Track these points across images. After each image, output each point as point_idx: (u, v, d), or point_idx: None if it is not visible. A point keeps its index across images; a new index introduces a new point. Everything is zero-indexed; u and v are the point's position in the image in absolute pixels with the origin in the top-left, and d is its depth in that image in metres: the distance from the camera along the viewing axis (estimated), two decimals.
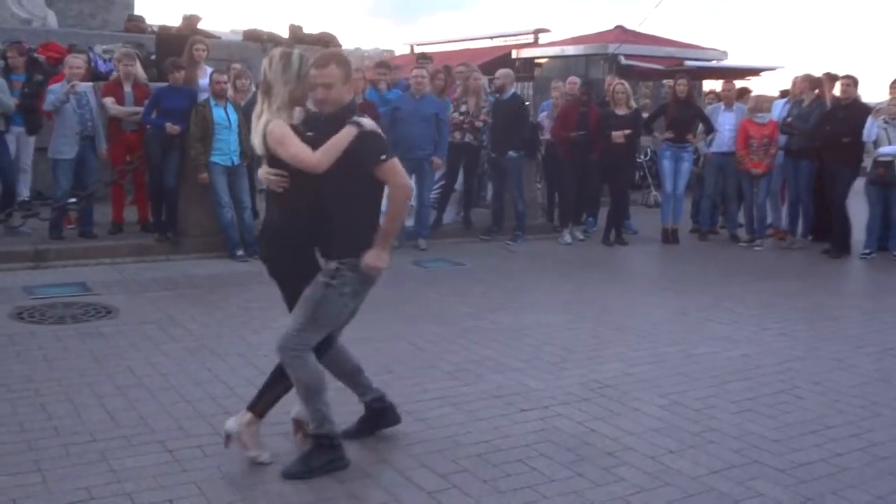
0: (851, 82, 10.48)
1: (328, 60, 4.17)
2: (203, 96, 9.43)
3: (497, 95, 11.02)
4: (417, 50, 21.56)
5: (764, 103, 11.22)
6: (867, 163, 10.76)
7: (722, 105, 11.63)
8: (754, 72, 19.16)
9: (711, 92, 14.54)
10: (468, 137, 10.80)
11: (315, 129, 4.16)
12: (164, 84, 9.72)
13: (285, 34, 15.73)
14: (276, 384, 4.34)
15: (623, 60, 17.21)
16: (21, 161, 10.23)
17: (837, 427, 4.99)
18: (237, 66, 10.53)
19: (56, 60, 10.93)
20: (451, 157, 10.72)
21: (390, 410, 4.71)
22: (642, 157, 14.53)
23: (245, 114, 8.99)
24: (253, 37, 15.17)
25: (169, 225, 9.55)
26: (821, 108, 10.77)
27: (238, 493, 3.99)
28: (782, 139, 10.87)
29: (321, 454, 4.23)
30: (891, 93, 10.32)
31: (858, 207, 10.79)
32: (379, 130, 4.19)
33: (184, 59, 9.87)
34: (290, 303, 4.31)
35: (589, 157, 10.98)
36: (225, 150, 9.15)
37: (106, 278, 8.35)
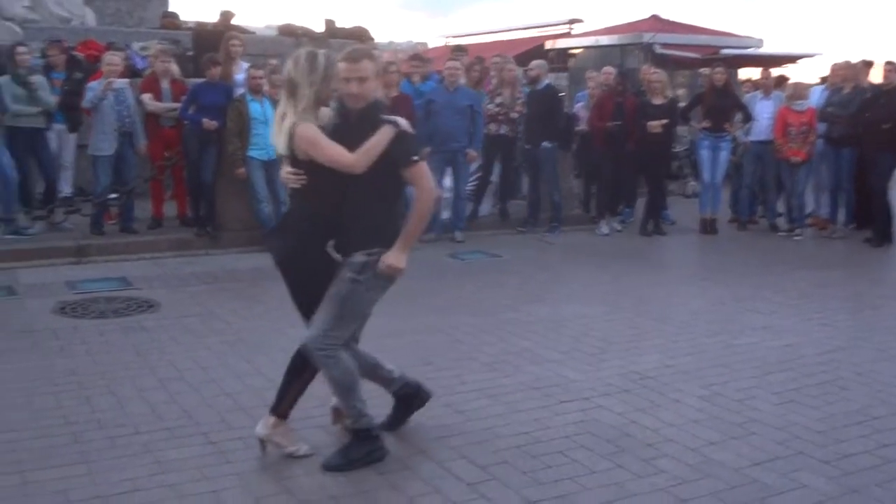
0: (893, 68, 10.31)
1: (361, 55, 4.17)
2: (239, 91, 9.50)
3: (531, 86, 10.98)
4: (451, 42, 21.52)
5: (802, 90, 11.06)
6: None
7: (759, 93, 11.50)
8: (792, 59, 18.89)
9: (748, 80, 14.36)
10: (504, 129, 10.77)
11: (341, 127, 4.14)
12: (201, 80, 9.80)
13: (319, 29, 15.81)
14: (293, 382, 4.34)
15: (658, 49, 17.08)
16: (62, 158, 10.36)
17: (882, 418, 4.92)
18: (273, 61, 10.58)
19: (95, 58, 11.06)
20: (486, 149, 10.71)
21: (418, 391, 4.66)
22: (680, 146, 14.40)
23: None
24: (287, 31, 15.28)
25: (208, 219, 9.64)
26: (861, 94, 10.62)
27: (279, 485, 4.02)
28: (821, 127, 10.73)
29: (360, 446, 4.25)
30: None
31: None
32: (412, 130, 4.19)
33: (220, 55, 9.94)
34: (297, 297, 4.32)
35: (625, 147, 10.91)
36: (262, 145, 9.19)
37: (147, 273, 8.45)
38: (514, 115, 10.75)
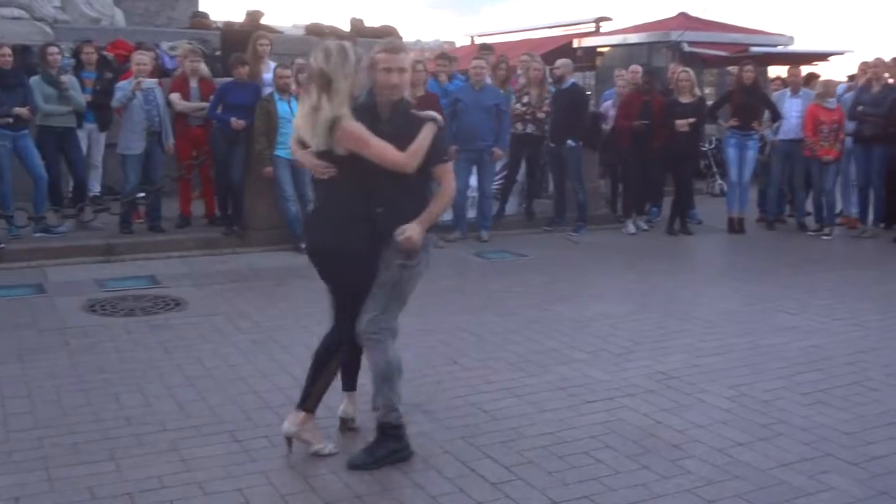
0: None
1: (399, 47, 4.26)
2: (267, 91, 9.54)
3: (556, 85, 10.95)
4: (478, 41, 21.48)
5: (832, 88, 10.98)
6: None
7: (788, 91, 11.41)
8: (822, 56, 18.68)
9: (778, 78, 14.22)
10: (530, 128, 10.75)
11: (371, 121, 4.15)
12: (229, 79, 9.86)
13: (346, 28, 15.85)
14: (319, 377, 4.34)
15: (686, 48, 16.94)
16: (92, 157, 10.47)
17: None
18: (300, 60, 10.61)
19: (124, 58, 11.17)
20: (513, 148, 10.70)
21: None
22: (707, 145, 14.32)
23: None
24: (315, 31, 15.32)
25: (235, 218, 9.69)
26: (892, 92, 10.50)
27: (305, 483, 4.04)
28: (850, 125, 10.62)
29: (386, 444, 4.26)
30: None
31: None
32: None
33: (248, 55, 9.99)
34: (339, 290, 4.33)
35: (652, 146, 10.85)
36: (289, 144, 9.17)
37: (174, 271, 8.51)
38: (541, 114, 10.72)
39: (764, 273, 8.81)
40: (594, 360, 5.89)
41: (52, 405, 4.94)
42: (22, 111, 8.89)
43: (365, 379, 4.59)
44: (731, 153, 11.20)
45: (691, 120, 10.65)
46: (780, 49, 18.74)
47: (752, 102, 11.06)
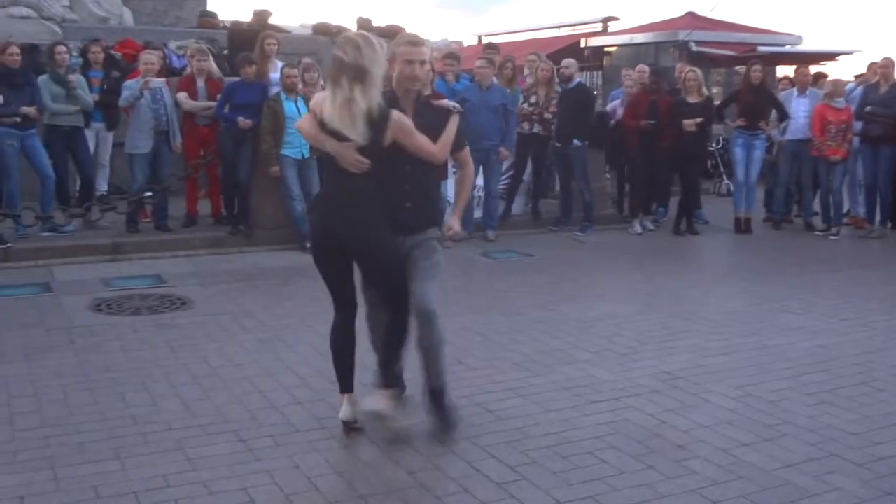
0: None
1: (420, 40, 4.44)
2: (274, 90, 9.55)
3: (563, 85, 10.93)
4: (485, 41, 21.47)
5: (841, 88, 10.94)
6: None
7: (795, 91, 11.37)
8: (830, 56, 18.63)
9: (786, 78, 14.18)
10: (537, 128, 10.75)
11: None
12: (237, 79, 9.87)
13: (354, 27, 15.85)
14: (391, 354, 4.55)
15: (694, 47, 16.92)
16: (100, 156, 10.49)
17: None
18: (307, 59, 10.63)
19: (132, 57, 11.18)
20: (519, 148, 10.70)
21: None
22: (714, 145, 14.29)
23: None
24: (322, 31, 15.32)
25: (241, 217, 9.70)
26: None
27: (309, 483, 4.04)
28: (857, 125, 10.59)
29: (443, 407, 4.55)
30: None
31: None
32: None
33: (255, 54, 10.00)
34: (374, 278, 4.49)
35: (659, 146, 10.84)
36: (295, 144, 9.24)
37: (181, 270, 8.53)
38: (548, 115, 10.71)
39: (770, 273, 8.79)
40: (599, 360, 5.88)
41: (59, 404, 4.95)
42: (29, 110, 8.92)
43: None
44: (738, 153, 11.17)
45: (699, 120, 10.63)
46: (788, 49, 18.69)
47: (759, 102, 11.03)
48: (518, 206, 11.37)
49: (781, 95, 11.62)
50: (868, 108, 10.53)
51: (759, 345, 6.26)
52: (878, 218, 10.96)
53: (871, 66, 11.10)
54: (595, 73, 19.05)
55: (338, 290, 4.56)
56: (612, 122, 11.38)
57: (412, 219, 4.45)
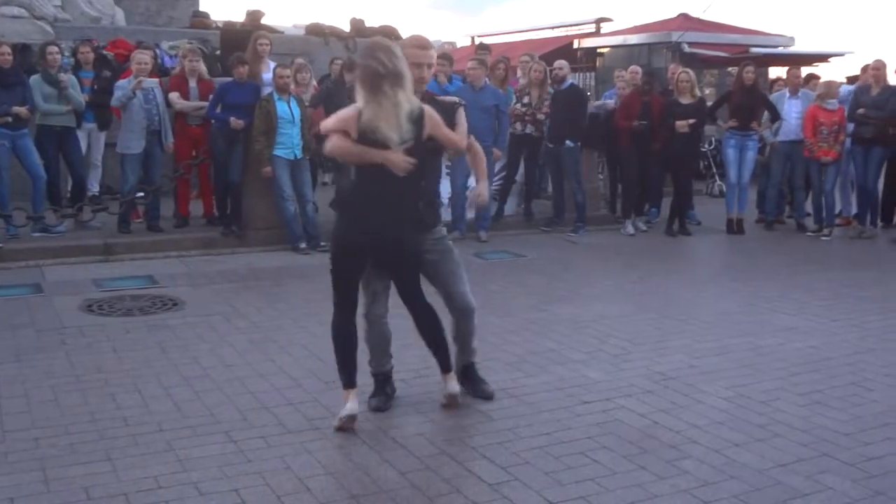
0: None
1: (427, 43, 4.64)
2: (267, 91, 9.53)
3: (555, 86, 10.93)
4: (478, 41, 21.47)
5: (833, 89, 10.95)
6: None
7: (787, 92, 11.39)
8: (822, 58, 18.67)
9: (779, 79, 14.20)
10: (529, 129, 10.75)
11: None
12: (229, 79, 9.85)
13: (347, 28, 15.84)
14: (442, 342, 4.84)
15: (687, 48, 16.94)
16: (92, 156, 10.47)
17: None
18: (299, 60, 10.62)
19: (124, 57, 11.16)
20: (512, 149, 10.70)
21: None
22: (706, 146, 14.31)
23: (313, 107, 9.14)
24: (315, 31, 15.31)
25: (233, 218, 9.68)
26: (893, 94, 10.47)
27: (300, 483, 4.03)
28: (849, 126, 10.61)
29: (477, 378, 5.11)
30: None
31: None
32: None
33: (247, 55, 9.98)
34: (406, 277, 4.70)
35: (651, 147, 10.85)
36: (288, 144, 9.23)
37: (172, 271, 8.50)
38: (541, 115, 10.72)
39: (762, 274, 8.80)
40: (592, 360, 5.88)
41: (49, 405, 4.93)
42: (21, 110, 8.90)
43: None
44: (731, 154, 11.19)
45: (691, 121, 10.64)
46: (780, 50, 18.73)
47: (750, 103, 11.05)
48: (511, 206, 11.37)
49: (773, 97, 11.63)
50: (860, 111, 10.54)
51: (751, 345, 6.27)
52: (869, 218, 10.98)
53: (865, 68, 11.11)
54: (588, 74, 19.06)
55: (351, 290, 4.64)
56: (603, 112, 11.36)
57: (431, 216, 4.72)
